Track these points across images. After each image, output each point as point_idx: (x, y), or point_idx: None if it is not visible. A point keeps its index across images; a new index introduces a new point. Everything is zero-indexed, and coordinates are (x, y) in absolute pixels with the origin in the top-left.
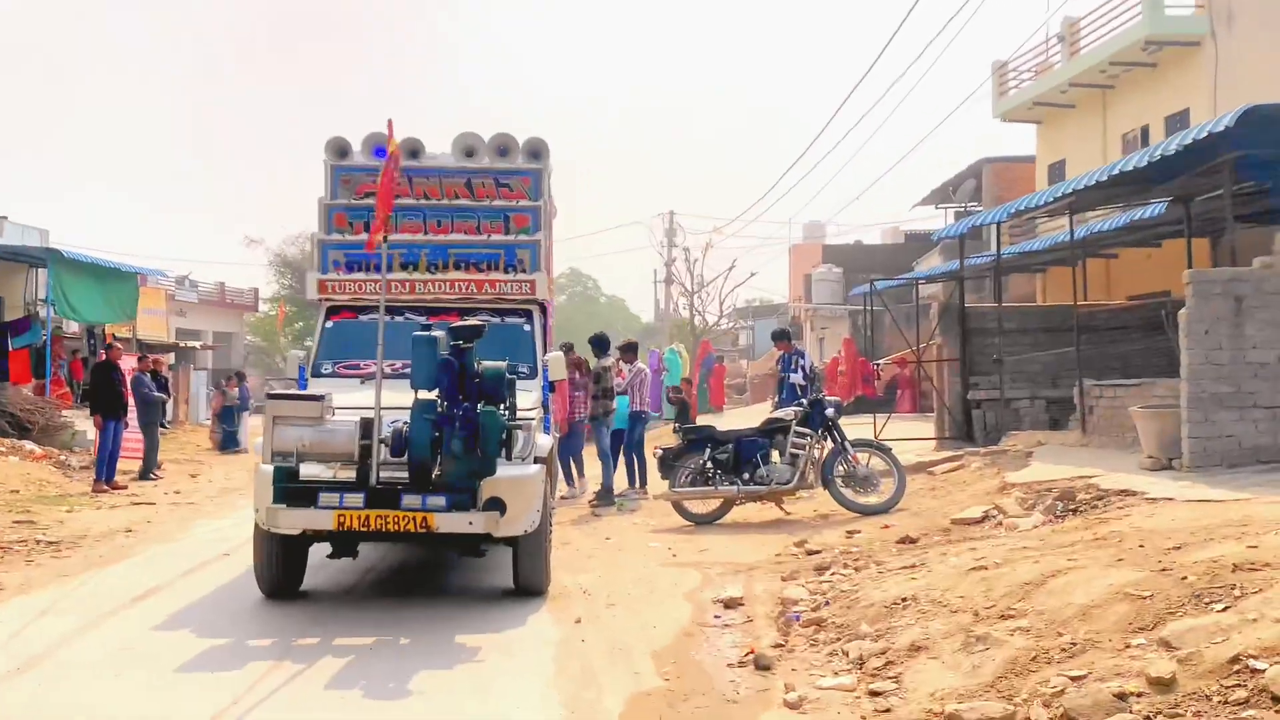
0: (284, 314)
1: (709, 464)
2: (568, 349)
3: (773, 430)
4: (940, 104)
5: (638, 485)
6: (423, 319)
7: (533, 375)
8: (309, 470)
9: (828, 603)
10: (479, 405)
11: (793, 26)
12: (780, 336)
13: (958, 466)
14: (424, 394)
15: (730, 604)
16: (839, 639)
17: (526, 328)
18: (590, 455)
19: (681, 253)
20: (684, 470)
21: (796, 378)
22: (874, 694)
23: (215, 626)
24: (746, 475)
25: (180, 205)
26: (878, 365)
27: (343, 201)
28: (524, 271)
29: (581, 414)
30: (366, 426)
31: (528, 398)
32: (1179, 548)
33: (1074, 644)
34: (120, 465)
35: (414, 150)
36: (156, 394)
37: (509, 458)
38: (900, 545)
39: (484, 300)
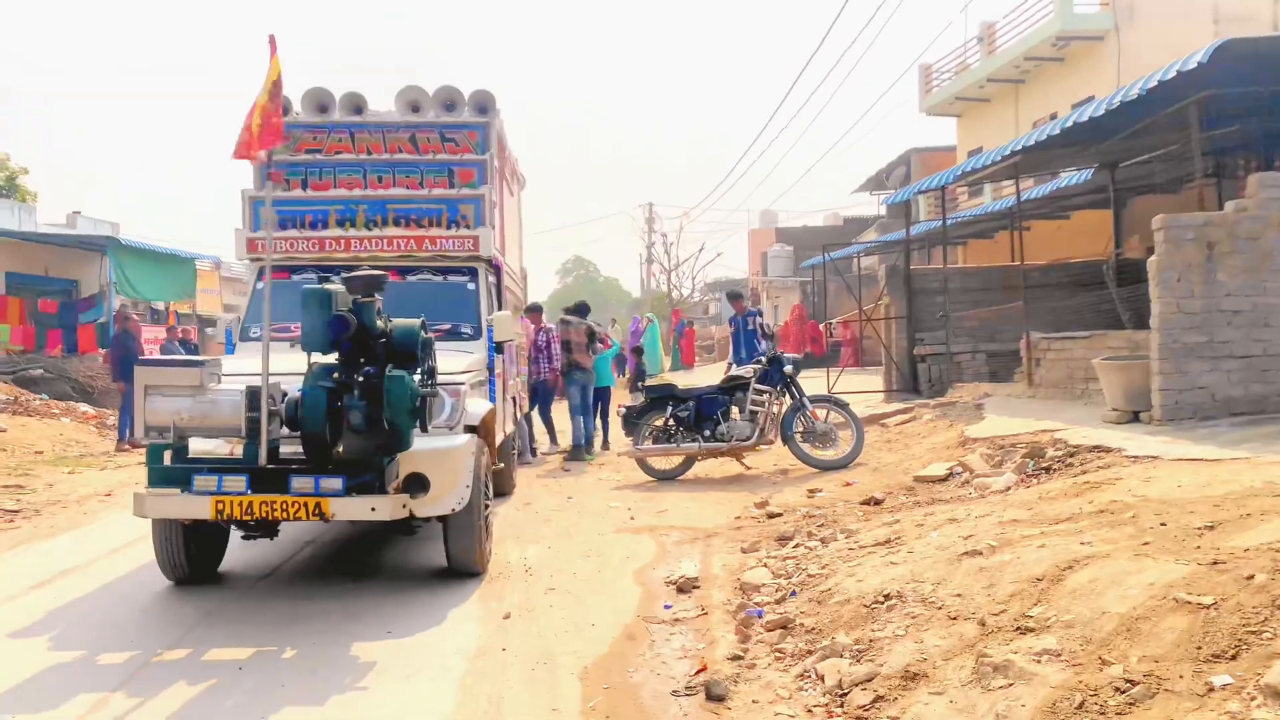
0: None
1: (671, 421)
2: (535, 310)
3: (733, 388)
4: (871, 101)
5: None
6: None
7: (475, 336)
8: (204, 448)
9: (794, 592)
10: (386, 369)
11: (742, 34)
12: (734, 296)
13: (910, 419)
14: (321, 358)
15: (684, 587)
16: (810, 650)
17: (470, 286)
18: (562, 411)
19: (660, 237)
20: (647, 427)
21: (760, 332)
22: None
23: (81, 631)
24: (708, 432)
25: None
26: (829, 324)
27: (280, 157)
28: (467, 227)
29: (543, 375)
30: (258, 396)
31: (461, 360)
32: (1212, 527)
33: (1129, 681)
34: None
35: (357, 105)
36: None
37: (425, 428)
38: (865, 507)
39: (424, 258)
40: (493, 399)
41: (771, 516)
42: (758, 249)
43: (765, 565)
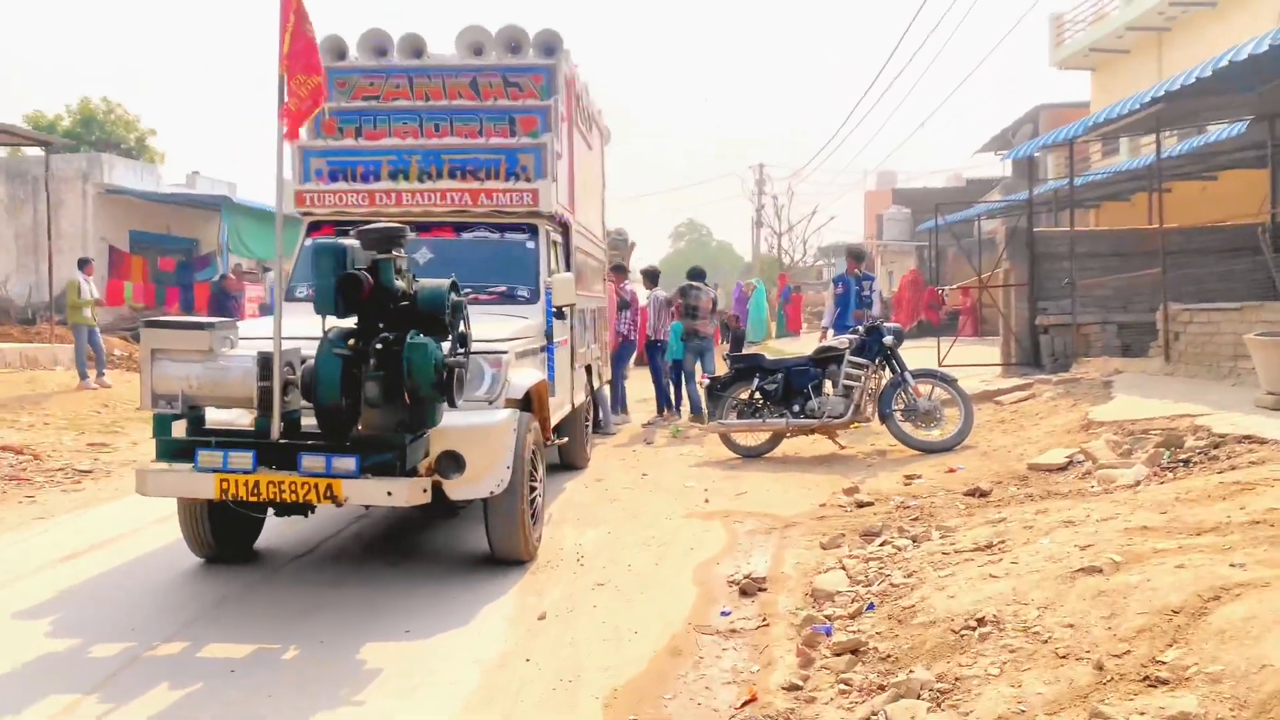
0: None
1: (757, 395)
2: (619, 270)
3: (826, 359)
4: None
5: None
6: (411, 235)
7: (532, 299)
8: (224, 418)
9: (872, 605)
10: (408, 335)
11: None
12: (857, 255)
13: (1028, 396)
14: (338, 322)
15: (748, 589)
16: (883, 686)
17: (530, 244)
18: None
19: (770, 200)
20: (731, 400)
21: (869, 301)
22: None
23: (85, 616)
24: (797, 407)
25: None
26: (943, 290)
27: (333, 105)
28: (526, 180)
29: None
30: (271, 363)
31: (506, 325)
32: None
33: None
34: None
35: (416, 48)
36: None
37: (453, 403)
38: (968, 499)
39: (480, 213)
40: (552, 369)
41: (860, 506)
42: (873, 211)
43: (844, 567)
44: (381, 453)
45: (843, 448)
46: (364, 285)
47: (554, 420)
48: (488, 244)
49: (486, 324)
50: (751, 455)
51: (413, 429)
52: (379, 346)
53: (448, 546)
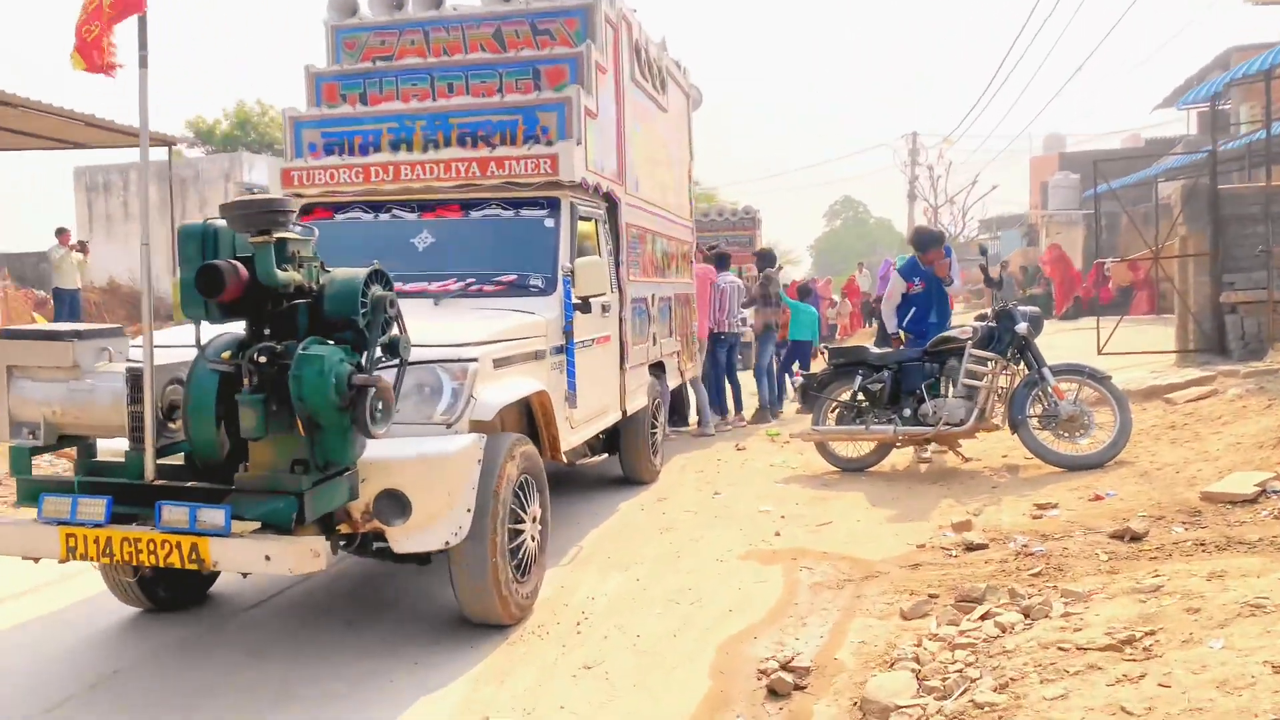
0: None
1: (860, 395)
2: (718, 255)
3: (944, 353)
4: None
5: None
6: (412, 215)
7: (547, 289)
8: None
9: None
10: (302, 345)
11: None
12: (928, 242)
13: (1208, 393)
14: (213, 328)
15: (778, 687)
16: None
17: (549, 222)
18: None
19: (925, 170)
20: (830, 403)
21: (958, 286)
22: None
23: None
24: (908, 411)
25: None
26: (1106, 265)
27: (334, 68)
28: (548, 143)
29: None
30: (151, 379)
31: (485, 324)
32: None
33: None
34: None
35: None
36: None
37: (366, 432)
38: (1115, 543)
39: (490, 186)
40: (572, 373)
41: (970, 549)
42: (1039, 179)
43: (917, 659)
44: (271, 500)
45: (966, 460)
46: (225, 279)
47: (591, 432)
48: (498, 223)
49: (460, 322)
50: (854, 469)
51: (319, 468)
52: (262, 360)
53: (432, 598)
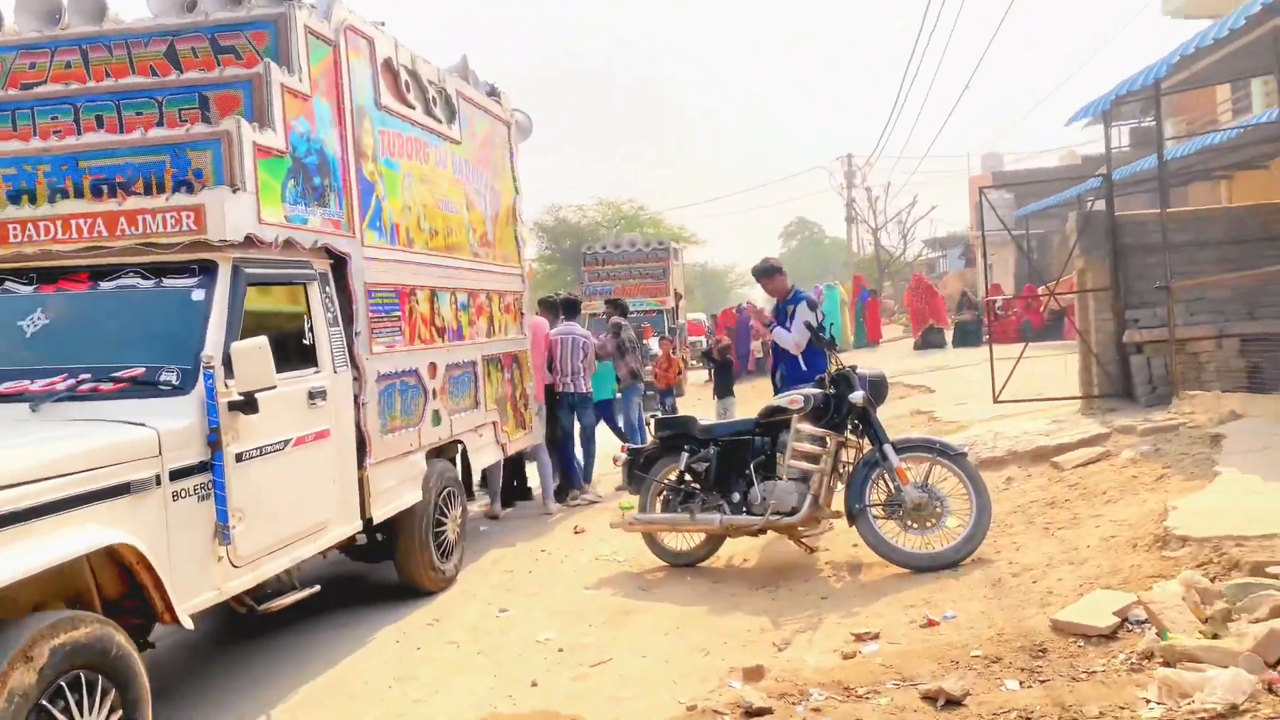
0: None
1: (687, 476)
2: (564, 302)
3: (776, 424)
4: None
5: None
6: (27, 288)
7: (183, 387)
8: None
9: None
10: None
11: None
12: (767, 272)
13: (1100, 455)
14: None
15: None
16: None
17: (196, 295)
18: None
19: (863, 192)
20: (657, 485)
21: (788, 337)
22: None
23: None
24: (736, 496)
25: None
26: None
27: None
28: (204, 189)
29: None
30: None
31: (36, 453)
32: None
33: None
34: None
35: (98, 10)
36: None
37: None
38: (926, 709)
39: (123, 249)
40: (222, 499)
41: (750, 716)
42: (977, 199)
43: None
44: None
45: (812, 550)
46: None
47: (286, 562)
48: (131, 298)
49: None
50: (683, 564)
51: None
52: None
53: None
